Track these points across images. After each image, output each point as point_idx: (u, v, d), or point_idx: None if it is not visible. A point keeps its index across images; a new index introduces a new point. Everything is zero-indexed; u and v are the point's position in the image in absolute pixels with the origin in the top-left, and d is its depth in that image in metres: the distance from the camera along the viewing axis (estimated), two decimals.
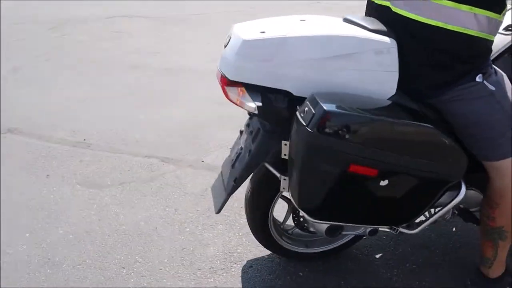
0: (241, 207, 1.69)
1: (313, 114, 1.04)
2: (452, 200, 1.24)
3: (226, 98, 1.19)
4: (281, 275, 1.58)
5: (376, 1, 1.19)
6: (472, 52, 1.12)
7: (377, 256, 1.67)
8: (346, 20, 1.23)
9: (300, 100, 1.12)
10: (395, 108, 1.14)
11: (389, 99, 1.14)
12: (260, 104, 1.12)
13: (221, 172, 1.42)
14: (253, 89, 1.14)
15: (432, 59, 1.12)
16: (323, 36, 1.13)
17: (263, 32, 1.13)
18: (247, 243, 1.70)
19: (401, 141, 1.08)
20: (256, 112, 1.13)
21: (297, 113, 1.10)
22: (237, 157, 1.32)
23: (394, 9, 1.12)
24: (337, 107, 1.06)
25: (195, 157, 2.30)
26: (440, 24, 1.06)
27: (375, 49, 1.10)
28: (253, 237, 1.55)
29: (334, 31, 1.15)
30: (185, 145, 2.43)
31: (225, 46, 1.17)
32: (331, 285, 1.54)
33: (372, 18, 1.20)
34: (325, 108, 1.03)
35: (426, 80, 1.16)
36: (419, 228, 1.32)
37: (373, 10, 1.23)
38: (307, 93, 1.12)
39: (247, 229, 1.58)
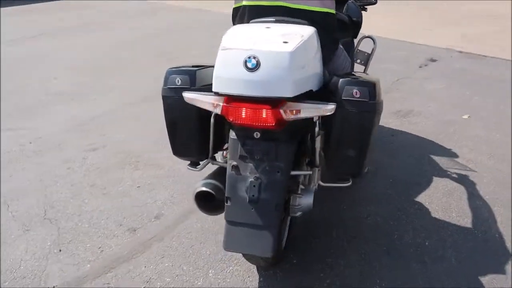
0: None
1: (368, 90, 1.22)
2: None
3: (270, 124, 1.13)
4: None
5: (267, 4, 1.39)
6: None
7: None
8: (278, 21, 1.37)
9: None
10: None
11: None
12: (334, 105, 1.19)
13: (230, 222, 1.25)
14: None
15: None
16: (312, 36, 1.30)
17: (286, 42, 1.16)
18: None
19: None
20: (333, 112, 1.18)
21: (344, 97, 1.23)
22: (259, 187, 1.22)
23: (292, 5, 1.37)
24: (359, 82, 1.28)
25: None
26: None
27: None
28: None
29: (308, 31, 1.30)
30: None
31: (250, 69, 1.09)
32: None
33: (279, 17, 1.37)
34: (371, 83, 1.25)
35: None
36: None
37: (265, 11, 1.39)
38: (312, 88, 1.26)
39: None
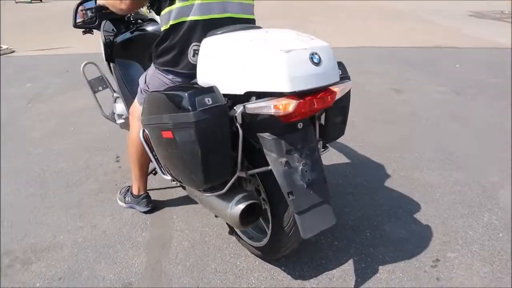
0: None
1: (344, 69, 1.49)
2: None
3: (329, 106, 1.29)
4: None
5: (217, 16, 1.49)
6: None
7: None
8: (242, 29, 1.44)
9: None
10: None
11: None
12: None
13: (300, 212, 1.31)
14: None
15: None
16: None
17: (313, 39, 1.33)
18: None
19: None
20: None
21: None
22: (310, 170, 1.32)
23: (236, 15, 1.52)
24: None
25: None
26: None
27: None
28: None
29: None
30: None
31: (316, 64, 1.22)
32: None
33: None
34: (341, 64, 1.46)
35: None
36: None
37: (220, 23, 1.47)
38: None
39: None
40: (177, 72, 1.55)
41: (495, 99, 3.66)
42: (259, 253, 1.66)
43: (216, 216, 1.80)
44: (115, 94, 2.25)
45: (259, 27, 1.49)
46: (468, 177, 2.35)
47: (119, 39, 2.04)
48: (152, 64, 1.65)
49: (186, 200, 2.12)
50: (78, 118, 3.28)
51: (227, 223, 1.78)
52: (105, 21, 2.05)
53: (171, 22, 1.49)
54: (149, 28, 2.09)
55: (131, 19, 2.13)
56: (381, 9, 10.36)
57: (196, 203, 2.06)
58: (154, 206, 2.03)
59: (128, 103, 2.01)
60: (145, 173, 1.96)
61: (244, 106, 1.26)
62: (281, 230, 1.45)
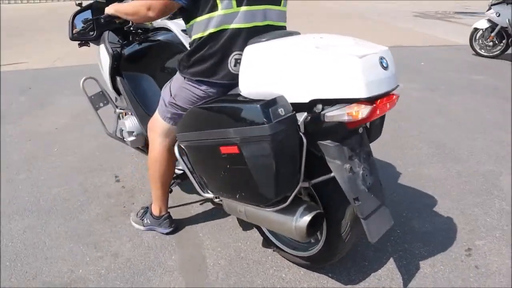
0: None
1: None
2: None
3: (390, 108, 1.27)
4: None
5: (260, 24, 1.45)
6: None
7: None
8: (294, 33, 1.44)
9: None
10: None
11: None
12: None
13: (366, 217, 1.31)
14: None
15: None
16: None
17: (372, 44, 1.34)
18: None
19: None
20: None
21: None
22: (369, 174, 1.34)
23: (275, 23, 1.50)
24: None
25: None
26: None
27: None
28: None
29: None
30: None
31: (385, 68, 1.22)
32: None
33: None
34: None
35: None
36: None
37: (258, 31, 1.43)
38: None
39: None
40: (213, 82, 1.47)
41: (467, 93, 3.93)
42: (306, 263, 1.62)
43: (260, 232, 1.74)
44: (118, 110, 2.09)
45: (297, 33, 1.46)
46: (468, 167, 2.49)
47: (126, 51, 1.90)
48: (179, 75, 1.55)
49: (206, 216, 2.03)
50: (56, 137, 3.01)
51: (287, 235, 1.58)
52: (107, 32, 1.90)
53: (211, 30, 1.40)
54: (160, 37, 1.97)
55: (131, 29, 2.00)
56: (330, 10, 10.76)
57: (219, 217, 2.01)
58: (176, 226, 1.91)
59: (142, 119, 1.87)
60: (167, 192, 1.83)
61: (307, 114, 1.23)
62: (338, 237, 1.43)
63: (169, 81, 1.65)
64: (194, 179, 1.55)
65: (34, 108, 3.64)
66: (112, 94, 2.07)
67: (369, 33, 7.04)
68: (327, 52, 1.19)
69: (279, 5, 1.48)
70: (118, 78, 1.90)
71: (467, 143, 2.84)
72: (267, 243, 1.76)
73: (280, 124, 1.17)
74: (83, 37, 1.85)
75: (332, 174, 1.29)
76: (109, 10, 1.70)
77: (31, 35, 7.10)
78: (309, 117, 1.23)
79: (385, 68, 1.21)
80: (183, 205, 2.12)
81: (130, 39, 1.99)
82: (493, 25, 5.16)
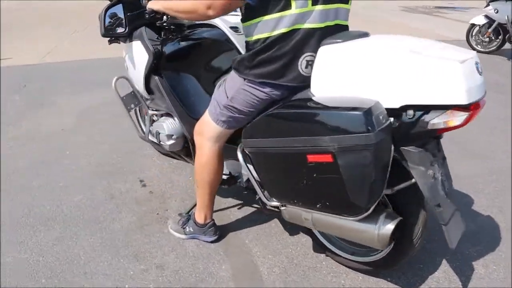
0: None
1: None
2: None
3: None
4: None
5: (331, 24, 1.37)
6: None
7: None
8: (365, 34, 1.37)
9: None
10: None
11: None
12: None
13: (446, 223, 1.30)
14: None
15: None
16: None
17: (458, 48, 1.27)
18: None
19: None
20: None
21: None
22: (445, 178, 1.32)
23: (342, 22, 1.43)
24: None
25: None
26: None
27: None
28: None
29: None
30: None
31: (480, 73, 1.18)
32: None
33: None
34: None
35: None
36: None
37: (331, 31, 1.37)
38: None
39: None
40: (279, 85, 1.39)
41: None
42: (366, 268, 1.59)
43: (312, 237, 1.68)
44: (150, 112, 1.97)
45: (367, 33, 1.40)
46: (489, 164, 2.53)
47: (167, 48, 1.78)
48: (237, 76, 1.46)
49: (248, 221, 1.96)
50: (64, 139, 2.83)
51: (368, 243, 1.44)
52: (143, 28, 1.77)
53: (282, 30, 1.31)
54: (205, 34, 1.86)
55: (164, 25, 1.87)
56: None
57: (261, 222, 1.94)
58: (220, 234, 1.83)
59: (186, 122, 1.77)
60: (213, 198, 1.75)
61: (394, 120, 1.18)
62: (410, 243, 1.40)
63: (221, 82, 1.56)
64: (258, 187, 1.48)
65: (34, 107, 3.41)
66: (144, 94, 1.94)
67: (367, 29, 7.05)
68: (424, 57, 1.15)
69: (347, 3, 1.41)
70: (156, 78, 1.78)
71: (484, 138, 2.89)
72: (320, 248, 1.71)
73: (383, 133, 1.13)
74: (118, 33, 1.72)
75: (414, 180, 1.25)
76: (155, 5, 1.58)
77: (13, 31, 6.70)
78: (397, 123, 1.18)
79: (480, 73, 1.18)
80: (221, 210, 2.04)
81: (163, 35, 1.87)
82: (490, 21, 5.28)
